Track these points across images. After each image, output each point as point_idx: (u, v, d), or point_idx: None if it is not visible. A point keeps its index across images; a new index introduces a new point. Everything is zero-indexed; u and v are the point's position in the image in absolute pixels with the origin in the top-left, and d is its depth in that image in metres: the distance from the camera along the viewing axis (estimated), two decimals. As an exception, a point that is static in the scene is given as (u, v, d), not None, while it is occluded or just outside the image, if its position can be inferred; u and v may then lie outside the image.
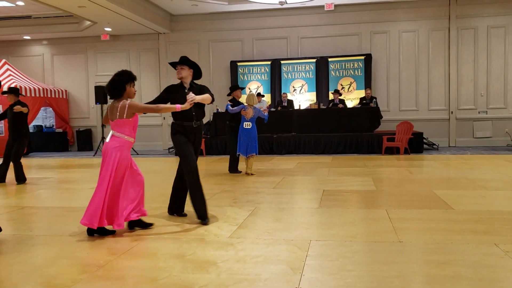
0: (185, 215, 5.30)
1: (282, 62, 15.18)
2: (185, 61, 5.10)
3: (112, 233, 4.59)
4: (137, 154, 14.33)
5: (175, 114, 5.08)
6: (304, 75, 15.07)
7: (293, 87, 15.09)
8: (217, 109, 13.94)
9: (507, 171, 8.69)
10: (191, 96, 4.65)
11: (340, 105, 13.56)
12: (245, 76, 15.30)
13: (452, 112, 14.47)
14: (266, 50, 15.46)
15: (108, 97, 4.66)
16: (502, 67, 14.27)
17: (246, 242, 4.21)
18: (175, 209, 5.39)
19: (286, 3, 13.67)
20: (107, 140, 4.62)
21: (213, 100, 5.00)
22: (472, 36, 14.36)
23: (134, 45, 16.27)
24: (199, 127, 5.17)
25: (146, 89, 16.24)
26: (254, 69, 15.34)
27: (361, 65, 14.62)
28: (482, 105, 14.43)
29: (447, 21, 14.42)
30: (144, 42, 16.16)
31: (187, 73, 5.09)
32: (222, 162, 11.26)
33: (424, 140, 13.35)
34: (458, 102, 14.49)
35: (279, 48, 15.45)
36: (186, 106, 4.63)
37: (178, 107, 4.65)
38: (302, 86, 15.08)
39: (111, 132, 4.63)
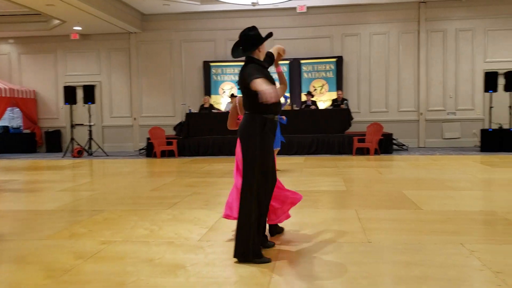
0: (273, 244, 4.17)
1: (254, 63, 15.14)
2: None
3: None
4: (107, 155, 14.10)
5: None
6: (276, 77, 15.05)
7: (266, 88, 15.06)
8: (190, 109, 13.81)
9: (475, 172, 8.89)
10: None
11: (313, 107, 13.65)
12: (218, 76, 15.23)
13: (421, 113, 14.72)
14: (238, 51, 15.39)
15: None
16: (470, 69, 14.58)
17: (216, 245, 4.17)
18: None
19: (259, 4, 13.67)
20: None
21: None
22: (441, 39, 14.64)
23: (104, 44, 15.99)
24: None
25: (116, 89, 16.00)
26: (227, 70, 15.28)
27: (332, 67, 14.74)
28: (450, 106, 14.73)
29: (417, 24, 14.67)
30: (114, 41, 15.91)
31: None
32: (194, 164, 11.19)
33: (394, 141, 13.55)
34: (427, 103, 14.75)
35: (252, 49, 15.40)
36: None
37: None
38: (275, 87, 15.08)
39: None
